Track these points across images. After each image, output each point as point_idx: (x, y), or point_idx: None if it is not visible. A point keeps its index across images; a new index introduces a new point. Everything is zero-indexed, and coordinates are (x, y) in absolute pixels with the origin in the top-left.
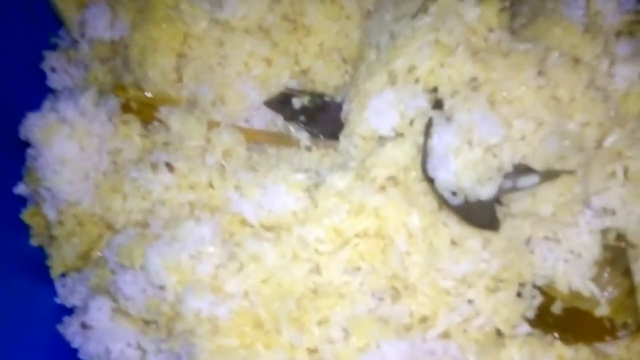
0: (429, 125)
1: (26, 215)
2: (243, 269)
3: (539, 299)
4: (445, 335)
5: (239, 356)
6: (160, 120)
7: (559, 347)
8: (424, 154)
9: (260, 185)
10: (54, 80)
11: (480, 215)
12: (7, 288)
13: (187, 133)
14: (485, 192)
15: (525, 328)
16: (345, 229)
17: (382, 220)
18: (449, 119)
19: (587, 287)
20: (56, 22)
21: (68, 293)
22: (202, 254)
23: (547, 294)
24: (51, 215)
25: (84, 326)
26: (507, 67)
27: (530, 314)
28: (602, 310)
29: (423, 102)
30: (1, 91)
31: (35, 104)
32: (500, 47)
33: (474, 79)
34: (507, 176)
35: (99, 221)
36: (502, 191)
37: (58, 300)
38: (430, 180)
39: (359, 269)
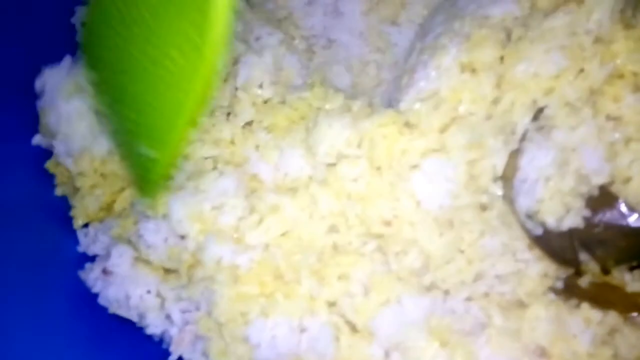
0: (523, 138)
1: (50, 165)
2: (263, 221)
3: (567, 273)
4: (467, 299)
5: (258, 304)
6: None
7: (587, 310)
8: (512, 169)
9: (278, 147)
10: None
11: (560, 246)
12: (31, 237)
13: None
14: (567, 223)
15: (551, 296)
16: (365, 194)
17: (401, 202)
18: (547, 135)
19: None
20: None
21: (90, 242)
22: (225, 205)
23: (578, 268)
24: (70, 166)
25: (105, 272)
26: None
27: (558, 285)
28: (635, 287)
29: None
30: (29, 42)
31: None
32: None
33: (593, 93)
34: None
35: (121, 174)
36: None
37: (80, 249)
38: (511, 200)
39: (380, 235)
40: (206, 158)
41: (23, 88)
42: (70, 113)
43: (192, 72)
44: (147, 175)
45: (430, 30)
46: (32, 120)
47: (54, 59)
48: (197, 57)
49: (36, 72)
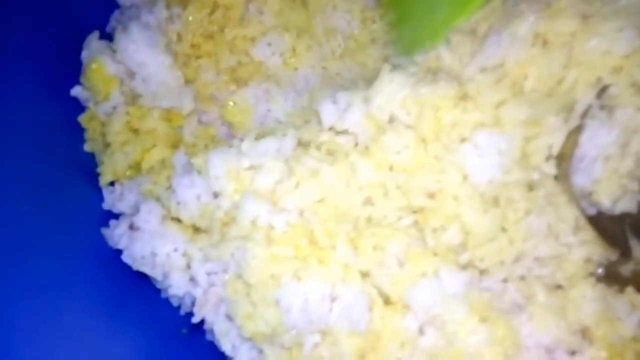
0: (584, 115)
1: (83, 119)
2: (300, 186)
3: (609, 260)
4: (504, 280)
5: (291, 267)
6: None
7: (632, 294)
8: (572, 146)
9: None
10: None
11: (613, 230)
12: (56, 190)
13: None
14: (621, 206)
15: (592, 281)
16: (409, 165)
17: (447, 175)
18: (609, 114)
19: None
20: None
21: (116, 200)
22: (264, 167)
23: (625, 254)
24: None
25: (132, 227)
26: None
27: (599, 272)
28: None
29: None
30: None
31: (102, 17)
32: None
33: None
34: None
35: (153, 131)
36: None
37: (105, 207)
38: (566, 178)
39: (420, 209)
40: None
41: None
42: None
43: None
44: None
45: None
46: (72, 71)
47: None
48: None
49: (78, 30)
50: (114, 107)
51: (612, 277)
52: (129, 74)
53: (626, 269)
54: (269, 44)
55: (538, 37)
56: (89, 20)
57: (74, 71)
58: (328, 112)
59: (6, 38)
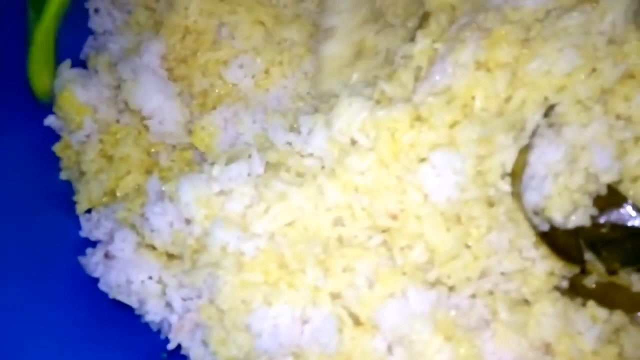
0: (533, 134)
1: (58, 148)
2: (270, 209)
3: (573, 272)
4: (471, 296)
5: (261, 292)
6: None
7: (593, 308)
8: (522, 165)
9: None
10: (96, 22)
11: (566, 244)
12: (33, 220)
13: None
14: (574, 221)
15: (556, 295)
16: (372, 186)
17: (408, 195)
18: (557, 132)
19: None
20: None
21: (92, 227)
22: (233, 192)
23: (583, 267)
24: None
25: (107, 256)
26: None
27: (564, 285)
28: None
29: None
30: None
31: (75, 44)
32: None
33: (605, 92)
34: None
35: (127, 157)
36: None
37: (82, 234)
38: (518, 196)
39: (386, 229)
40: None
41: None
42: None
43: None
44: None
45: (456, 19)
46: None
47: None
48: None
49: None
50: (87, 136)
51: (575, 290)
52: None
53: (589, 281)
54: (241, 66)
55: (481, 65)
56: (62, 48)
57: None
58: (280, 137)
59: None
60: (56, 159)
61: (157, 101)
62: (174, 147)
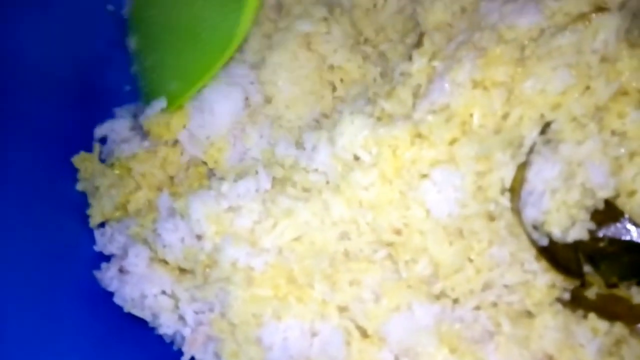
0: (530, 151)
1: (77, 159)
2: (277, 225)
3: (574, 284)
4: (475, 308)
5: (271, 306)
6: None
7: (594, 320)
8: (520, 181)
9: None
10: None
11: (565, 258)
12: (49, 232)
13: None
14: (572, 235)
15: (558, 307)
16: (376, 202)
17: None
18: (554, 149)
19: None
20: None
21: (107, 241)
22: (242, 208)
23: (585, 279)
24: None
25: (121, 271)
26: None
27: (565, 297)
28: None
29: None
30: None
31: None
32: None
33: (599, 109)
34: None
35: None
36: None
37: (96, 249)
38: (518, 211)
39: (390, 243)
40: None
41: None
42: None
43: (226, 33)
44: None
45: (454, 37)
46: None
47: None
48: (233, 22)
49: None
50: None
51: (577, 302)
52: None
53: (591, 293)
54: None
55: (477, 83)
56: None
57: (72, 108)
58: (285, 152)
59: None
60: (74, 170)
61: None
62: (187, 163)
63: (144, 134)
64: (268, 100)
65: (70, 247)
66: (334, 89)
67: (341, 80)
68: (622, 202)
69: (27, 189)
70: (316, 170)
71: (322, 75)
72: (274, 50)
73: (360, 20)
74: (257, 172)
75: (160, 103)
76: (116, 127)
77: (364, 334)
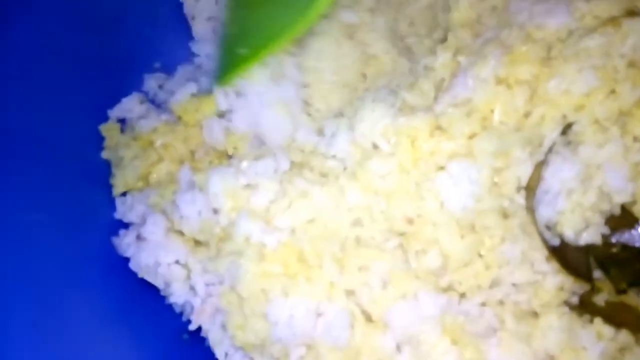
0: (549, 151)
1: (104, 128)
2: (292, 205)
3: (583, 289)
4: (482, 304)
5: (280, 283)
6: None
7: (599, 325)
8: (537, 180)
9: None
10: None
11: (576, 261)
12: (72, 196)
13: None
14: (585, 238)
15: (564, 309)
16: (391, 190)
17: (425, 201)
18: (573, 150)
19: None
20: None
21: (127, 210)
22: (259, 186)
23: (594, 285)
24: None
25: (139, 237)
26: None
27: (573, 300)
28: None
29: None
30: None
31: None
32: None
33: (623, 114)
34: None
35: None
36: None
37: (116, 216)
38: (532, 210)
39: (402, 233)
40: None
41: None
42: None
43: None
44: (233, 68)
45: (482, 33)
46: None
47: None
48: None
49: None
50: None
51: (584, 306)
52: None
53: (600, 299)
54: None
55: (501, 80)
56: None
57: (102, 78)
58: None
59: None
60: (100, 138)
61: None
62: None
63: (159, 107)
64: (305, 85)
65: (91, 213)
66: (365, 81)
67: (373, 72)
68: (638, 210)
69: (55, 153)
70: (334, 156)
71: (359, 67)
72: (316, 36)
73: (397, 13)
74: (275, 155)
75: (190, 87)
76: (128, 107)
77: (369, 318)
